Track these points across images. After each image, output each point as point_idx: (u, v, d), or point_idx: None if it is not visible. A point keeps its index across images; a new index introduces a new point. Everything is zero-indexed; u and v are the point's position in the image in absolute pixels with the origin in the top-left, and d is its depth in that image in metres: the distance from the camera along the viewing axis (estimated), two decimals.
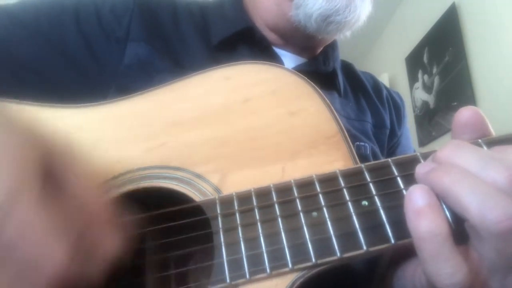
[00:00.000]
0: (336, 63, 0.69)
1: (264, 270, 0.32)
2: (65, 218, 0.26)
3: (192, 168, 0.39)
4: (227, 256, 0.33)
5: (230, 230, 0.34)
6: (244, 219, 0.35)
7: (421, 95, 2.53)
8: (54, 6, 0.57)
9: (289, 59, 0.66)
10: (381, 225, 0.33)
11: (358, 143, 0.61)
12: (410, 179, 0.34)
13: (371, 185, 0.35)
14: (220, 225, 0.35)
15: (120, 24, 0.58)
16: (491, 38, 1.86)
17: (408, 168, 0.35)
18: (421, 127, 2.50)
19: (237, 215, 0.35)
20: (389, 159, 0.36)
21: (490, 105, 1.86)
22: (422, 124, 2.49)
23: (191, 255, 0.42)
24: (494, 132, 0.36)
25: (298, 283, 0.32)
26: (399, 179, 0.35)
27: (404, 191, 0.34)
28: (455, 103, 2.12)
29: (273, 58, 0.62)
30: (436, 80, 2.35)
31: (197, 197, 0.37)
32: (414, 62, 2.64)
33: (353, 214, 0.33)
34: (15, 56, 0.53)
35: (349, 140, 0.40)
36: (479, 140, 0.34)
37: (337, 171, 0.36)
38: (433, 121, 2.35)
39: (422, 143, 2.47)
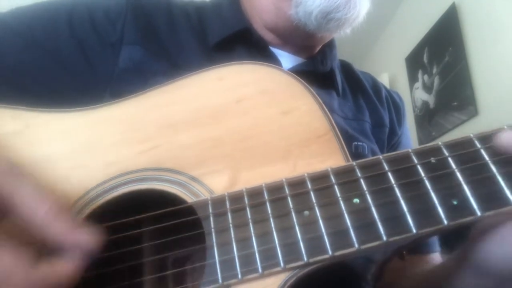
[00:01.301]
0: (334, 62, 0.69)
1: (256, 270, 0.32)
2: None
3: (186, 170, 0.39)
4: (219, 256, 0.33)
5: (222, 230, 0.34)
6: (236, 219, 0.35)
7: (421, 95, 2.52)
8: (47, 13, 0.57)
9: (287, 59, 0.65)
10: (373, 222, 0.32)
11: (356, 143, 0.60)
12: (401, 175, 0.34)
13: (362, 182, 0.35)
14: (212, 226, 0.35)
15: (115, 28, 0.58)
16: (491, 38, 1.86)
17: (399, 164, 0.35)
18: (421, 127, 2.50)
19: (229, 215, 0.35)
20: (381, 156, 0.36)
21: (490, 105, 1.86)
22: (422, 124, 2.49)
23: (188, 256, 0.42)
24: None
25: (290, 282, 0.32)
26: (390, 175, 0.34)
27: (395, 187, 0.34)
28: (455, 103, 2.11)
29: (271, 59, 0.61)
30: (436, 80, 2.34)
31: (190, 198, 0.37)
32: (414, 62, 2.64)
33: (344, 212, 0.33)
34: (10, 64, 0.53)
35: (341, 138, 0.39)
36: (471, 135, 0.34)
37: (329, 169, 0.36)
38: (433, 121, 2.35)
39: (422, 143, 2.46)
